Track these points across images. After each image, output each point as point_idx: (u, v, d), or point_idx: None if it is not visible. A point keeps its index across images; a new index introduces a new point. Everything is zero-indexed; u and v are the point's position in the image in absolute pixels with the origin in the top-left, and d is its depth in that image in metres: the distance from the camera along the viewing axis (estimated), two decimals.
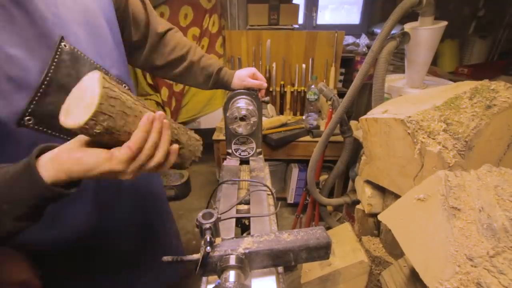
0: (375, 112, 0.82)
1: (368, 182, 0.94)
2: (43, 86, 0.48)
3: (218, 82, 0.89)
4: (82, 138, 0.43)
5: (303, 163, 1.92)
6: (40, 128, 0.50)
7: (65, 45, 0.50)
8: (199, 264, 0.44)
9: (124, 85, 0.64)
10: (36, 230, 0.58)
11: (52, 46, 0.49)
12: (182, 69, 0.85)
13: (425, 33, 0.96)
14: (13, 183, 0.39)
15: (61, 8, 0.51)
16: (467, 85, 0.74)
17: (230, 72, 0.89)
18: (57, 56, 0.49)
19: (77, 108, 0.38)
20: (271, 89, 1.80)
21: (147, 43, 0.78)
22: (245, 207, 0.70)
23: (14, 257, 0.59)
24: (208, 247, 0.43)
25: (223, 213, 0.65)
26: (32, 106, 0.48)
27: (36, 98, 0.48)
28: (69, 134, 0.51)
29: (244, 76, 0.87)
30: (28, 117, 0.48)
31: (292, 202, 2.00)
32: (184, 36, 0.86)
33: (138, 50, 0.79)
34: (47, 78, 0.48)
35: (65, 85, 0.51)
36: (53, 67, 0.49)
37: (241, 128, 0.86)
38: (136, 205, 0.76)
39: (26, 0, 0.45)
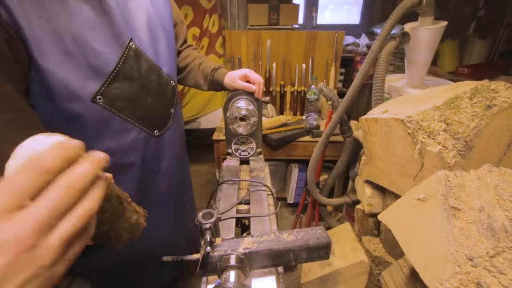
0: (375, 112, 0.82)
1: (368, 182, 0.94)
2: (112, 74, 0.61)
3: (213, 82, 0.92)
4: None
5: (303, 163, 1.92)
6: (107, 106, 0.62)
7: (132, 45, 0.64)
8: (199, 264, 0.44)
9: (171, 81, 0.78)
10: None
11: (123, 45, 0.63)
12: (184, 73, 0.95)
13: (425, 33, 0.96)
14: None
15: (131, 15, 0.65)
16: (467, 85, 0.74)
17: (222, 72, 0.90)
18: (125, 53, 0.63)
19: None
20: (271, 89, 1.80)
21: None
22: (245, 207, 0.70)
23: None
24: (208, 247, 0.43)
25: (223, 213, 0.65)
26: (103, 88, 0.61)
27: (107, 83, 0.61)
28: (129, 114, 0.67)
29: (234, 77, 0.87)
30: (99, 96, 0.60)
31: (292, 202, 2.00)
32: (195, 50, 0.98)
33: None
34: (116, 69, 0.62)
35: (128, 75, 0.64)
36: (121, 60, 0.62)
37: (241, 128, 0.86)
38: (172, 185, 0.85)
39: (109, 7, 0.59)
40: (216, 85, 0.93)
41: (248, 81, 0.87)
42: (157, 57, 0.72)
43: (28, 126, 0.51)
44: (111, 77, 0.61)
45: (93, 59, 0.58)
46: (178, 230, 0.93)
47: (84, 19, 0.57)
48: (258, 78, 0.87)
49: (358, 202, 1.03)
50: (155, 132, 0.74)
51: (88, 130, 0.61)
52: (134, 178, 0.72)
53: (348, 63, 2.16)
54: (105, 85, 0.61)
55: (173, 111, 0.80)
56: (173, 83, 0.79)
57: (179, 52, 0.93)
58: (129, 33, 0.64)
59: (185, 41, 0.96)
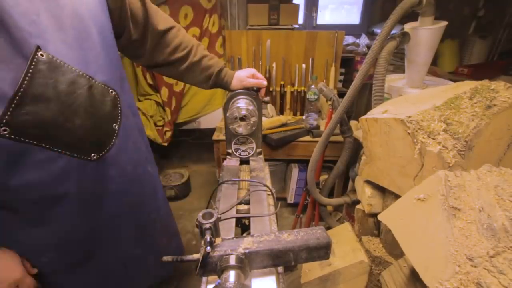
0: (375, 112, 0.82)
1: (368, 182, 0.94)
2: (17, 97, 0.48)
3: (217, 83, 0.89)
4: None
5: (303, 163, 1.92)
6: (17, 138, 0.50)
7: (41, 55, 0.49)
8: (199, 264, 0.44)
9: (110, 90, 0.63)
10: (27, 232, 0.59)
11: (27, 56, 0.48)
12: (182, 70, 0.85)
13: (425, 33, 0.96)
14: None
15: (43, 15, 0.50)
16: (467, 85, 0.74)
17: (230, 73, 0.89)
18: (32, 66, 0.49)
19: None
20: (271, 89, 1.80)
21: (147, 41, 0.78)
22: (245, 207, 0.70)
23: (5, 255, 0.59)
24: (208, 247, 0.43)
25: (223, 213, 0.65)
26: (6, 117, 0.48)
27: (11, 109, 0.48)
28: (51, 143, 0.54)
29: (243, 77, 0.87)
30: (3, 128, 0.48)
31: (292, 202, 2.00)
32: (186, 34, 0.86)
33: (140, 48, 0.79)
34: (21, 89, 0.48)
35: (42, 94, 0.50)
36: (27, 77, 0.48)
37: (241, 128, 0.86)
38: (126, 206, 0.76)
39: (1, 7, 0.44)
40: (220, 86, 0.90)
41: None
42: (86, 64, 0.57)
43: None
44: (16, 100, 0.48)
45: None
46: (140, 250, 0.84)
47: None
48: (263, 77, 0.88)
49: (358, 202, 1.03)
50: (92, 156, 0.61)
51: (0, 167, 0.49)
52: (70, 210, 0.62)
53: (348, 63, 2.16)
54: (9, 112, 0.48)
55: (116, 126, 0.66)
56: (113, 93, 0.64)
57: (161, 37, 0.79)
58: (37, 39, 0.49)
59: (170, 25, 0.80)
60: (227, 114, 0.85)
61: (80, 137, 0.58)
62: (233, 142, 0.91)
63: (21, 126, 0.50)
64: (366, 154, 0.88)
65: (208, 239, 0.44)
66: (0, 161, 0.50)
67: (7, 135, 0.49)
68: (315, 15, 2.39)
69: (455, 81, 0.95)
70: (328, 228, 1.31)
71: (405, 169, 0.73)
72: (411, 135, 0.67)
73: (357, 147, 1.24)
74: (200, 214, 0.46)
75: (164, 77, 2.09)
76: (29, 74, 0.48)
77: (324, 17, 2.62)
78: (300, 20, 2.42)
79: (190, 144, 2.67)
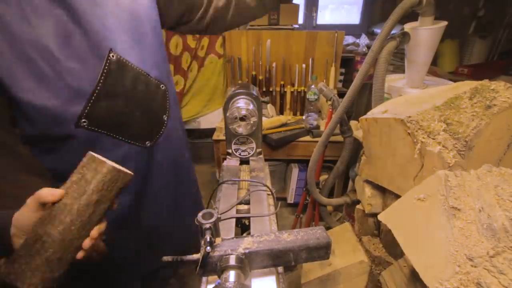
0: (375, 112, 0.82)
1: (368, 182, 0.94)
2: (95, 94, 0.56)
3: None
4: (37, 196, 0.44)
5: (303, 163, 1.92)
6: (93, 128, 0.58)
7: (113, 56, 0.57)
8: (199, 264, 0.44)
9: (162, 85, 0.70)
10: None
11: (102, 57, 0.55)
12: (231, 12, 0.83)
13: (425, 33, 0.96)
14: None
15: (110, 18, 0.56)
16: (467, 85, 0.74)
17: None
18: (106, 67, 0.56)
19: None
20: (271, 89, 1.80)
21: (208, 21, 0.81)
22: (245, 207, 0.70)
23: None
24: (208, 247, 0.43)
25: (223, 213, 0.65)
26: (86, 110, 0.56)
27: (90, 104, 0.56)
28: (118, 132, 0.62)
29: None
30: (83, 120, 0.56)
31: (292, 202, 2.00)
32: None
33: (202, 28, 0.83)
34: (98, 87, 0.56)
35: (113, 91, 0.58)
36: (103, 77, 0.56)
37: (241, 128, 0.86)
38: (166, 185, 0.82)
39: (80, 14, 0.51)
40: None
41: None
42: (143, 62, 0.64)
43: (27, 169, 0.51)
44: (94, 97, 0.56)
45: (70, 80, 0.53)
46: (172, 220, 0.91)
47: (52, 35, 0.50)
48: None
49: (358, 202, 1.03)
50: (146, 143, 0.70)
51: (74, 151, 0.56)
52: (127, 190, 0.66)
53: (348, 63, 2.16)
54: (88, 107, 0.56)
55: (165, 117, 0.74)
56: (163, 87, 0.71)
57: (223, 9, 0.80)
58: (108, 41, 0.56)
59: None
60: (227, 114, 0.85)
61: (139, 127, 0.66)
62: (233, 142, 0.91)
63: (97, 119, 0.58)
64: (366, 154, 0.88)
65: (208, 239, 0.44)
66: (78, 148, 0.56)
67: (86, 126, 0.57)
68: (315, 15, 2.39)
69: (455, 81, 0.95)
70: (328, 228, 1.31)
71: (405, 169, 0.73)
72: (411, 135, 0.67)
73: (357, 147, 1.24)
74: (200, 214, 0.46)
75: None
76: (104, 74, 0.56)
77: (324, 17, 2.61)
78: (300, 20, 2.42)
79: (190, 144, 2.66)
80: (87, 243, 0.45)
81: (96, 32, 0.53)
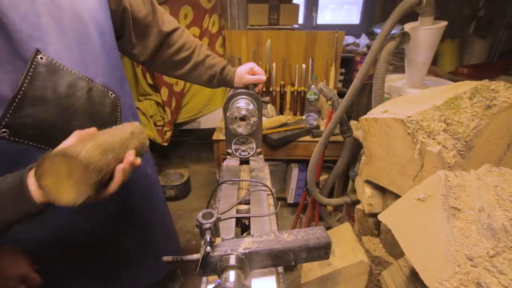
0: (375, 112, 0.82)
1: (368, 182, 0.94)
2: (16, 100, 0.49)
3: (221, 81, 0.89)
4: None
5: (303, 163, 1.91)
6: (17, 139, 0.51)
7: (41, 58, 0.50)
8: (199, 264, 0.44)
9: (110, 92, 0.63)
10: (25, 229, 0.60)
11: (26, 60, 0.48)
12: (186, 70, 0.86)
13: (425, 33, 0.96)
14: (6, 200, 0.41)
15: (44, 17, 0.50)
16: (467, 85, 0.74)
17: (232, 71, 0.89)
18: (31, 69, 0.49)
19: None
20: (271, 89, 1.80)
21: (150, 42, 0.78)
22: (245, 207, 0.70)
23: (12, 251, 0.59)
24: (208, 247, 0.43)
25: (223, 213, 0.65)
26: (6, 119, 0.49)
27: (10, 111, 0.49)
28: (50, 144, 0.53)
29: (242, 73, 0.87)
30: (3, 129, 0.49)
31: (292, 202, 2.00)
32: (190, 35, 0.86)
33: (143, 49, 0.79)
34: (21, 92, 0.49)
35: (42, 97, 0.51)
36: (27, 80, 0.49)
37: (241, 128, 0.86)
38: (126, 207, 0.76)
39: (1, 11, 0.45)
40: (224, 85, 0.90)
41: (254, 74, 0.87)
42: (85, 66, 0.57)
43: None
44: (16, 103, 0.49)
45: None
46: (139, 249, 0.87)
47: None
48: (262, 71, 0.89)
49: (358, 202, 1.03)
50: None
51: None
52: (69, 208, 0.63)
53: (348, 63, 2.16)
54: (8, 115, 0.48)
55: None
56: (113, 95, 0.64)
57: (165, 38, 0.80)
58: (37, 42, 0.49)
59: (174, 26, 0.81)
60: (227, 114, 0.85)
61: None
62: (233, 142, 0.91)
63: (20, 128, 0.50)
64: (366, 154, 0.88)
65: (208, 239, 0.44)
66: (1, 161, 0.51)
67: (7, 136, 0.50)
68: (315, 15, 2.39)
69: (455, 81, 0.95)
70: (328, 228, 1.31)
71: (405, 169, 0.73)
72: (411, 135, 0.67)
73: (357, 147, 1.24)
74: (200, 214, 0.46)
75: (164, 77, 2.09)
76: (28, 77, 0.49)
77: (324, 17, 2.61)
78: (300, 20, 2.42)
79: (190, 144, 2.67)
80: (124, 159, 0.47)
81: (19, 31, 0.47)
